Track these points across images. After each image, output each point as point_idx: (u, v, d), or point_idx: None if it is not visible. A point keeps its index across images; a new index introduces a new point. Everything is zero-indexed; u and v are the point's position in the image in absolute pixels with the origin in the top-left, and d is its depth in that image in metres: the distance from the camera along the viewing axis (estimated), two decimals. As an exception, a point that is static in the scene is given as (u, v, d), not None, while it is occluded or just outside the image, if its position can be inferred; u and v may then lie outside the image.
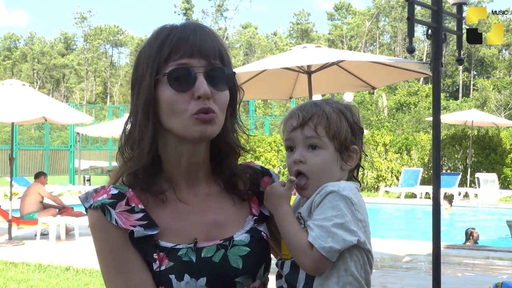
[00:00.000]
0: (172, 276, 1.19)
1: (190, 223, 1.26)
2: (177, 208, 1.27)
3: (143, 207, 1.24)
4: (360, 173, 1.45)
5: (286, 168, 1.40)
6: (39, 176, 10.61)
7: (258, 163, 1.49)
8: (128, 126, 1.29)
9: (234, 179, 1.34)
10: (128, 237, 1.21)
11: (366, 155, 1.34)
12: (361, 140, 1.40)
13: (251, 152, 1.39)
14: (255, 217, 1.34)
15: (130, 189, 1.26)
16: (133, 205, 1.24)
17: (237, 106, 1.33)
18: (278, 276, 1.33)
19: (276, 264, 1.35)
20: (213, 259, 1.23)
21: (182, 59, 1.22)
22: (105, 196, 1.24)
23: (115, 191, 1.25)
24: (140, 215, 1.23)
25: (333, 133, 1.33)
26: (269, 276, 1.34)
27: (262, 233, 1.32)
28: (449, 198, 14.81)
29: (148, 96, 1.23)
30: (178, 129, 1.22)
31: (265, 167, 1.57)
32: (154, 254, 1.21)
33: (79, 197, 1.33)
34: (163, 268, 1.20)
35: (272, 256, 1.37)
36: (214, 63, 1.24)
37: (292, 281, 1.28)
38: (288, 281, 1.29)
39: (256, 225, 1.32)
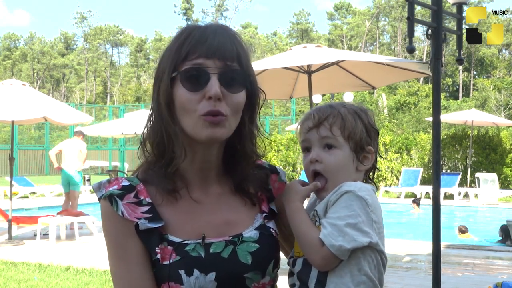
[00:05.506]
0: (182, 271, 1.21)
1: (201, 221, 1.28)
2: (189, 206, 1.29)
3: (150, 201, 1.27)
4: None
5: (287, 168, 1.41)
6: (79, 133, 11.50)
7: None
8: (149, 123, 1.31)
9: (245, 184, 1.35)
10: (134, 228, 1.24)
11: (382, 157, 1.37)
12: (377, 142, 1.42)
13: (264, 157, 1.42)
14: (264, 214, 1.35)
15: (142, 183, 1.29)
16: (141, 198, 1.27)
17: (257, 111, 1.34)
18: (290, 274, 1.34)
19: (288, 262, 1.37)
20: (222, 254, 1.24)
21: (198, 59, 1.23)
22: (115, 187, 1.27)
23: (126, 183, 1.28)
24: (146, 208, 1.26)
25: (348, 133, 1.35)
26: (279, 274, 1.34)
27: (271, 229, 1.33)
28: (416, 199, 14.76)
29: (166, 94, 1.25)
30: (189, 129, 1.24)
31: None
32: (157, 248, 1.23)
33: (92, 186, 1.36)
34: (171, 261, 1.22)
35: (282, 254, 1.38)
36: (231, 65, 1.24)
37: (304, 278, 1.29)
38: (300, 278, 1.31)
39: (265, 222, 1.34)
